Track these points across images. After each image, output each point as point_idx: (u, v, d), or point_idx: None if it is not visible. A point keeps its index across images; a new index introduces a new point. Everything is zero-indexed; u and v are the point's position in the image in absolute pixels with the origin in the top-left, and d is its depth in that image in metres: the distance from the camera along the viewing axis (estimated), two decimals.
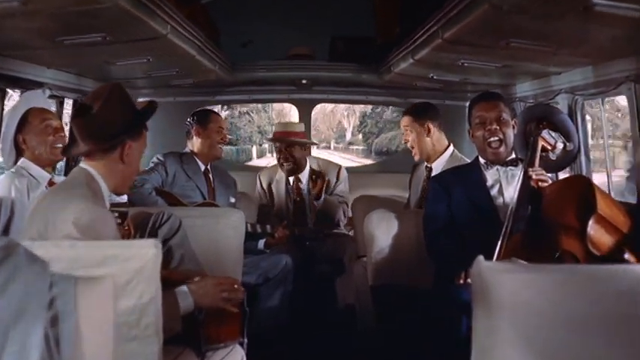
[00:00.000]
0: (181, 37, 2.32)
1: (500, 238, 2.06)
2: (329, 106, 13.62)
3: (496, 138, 2.34)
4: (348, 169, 3.74)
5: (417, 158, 3.02)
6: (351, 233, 3.53)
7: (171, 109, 3.97)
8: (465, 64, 2.53)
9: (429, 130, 2.95)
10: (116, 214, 2.31)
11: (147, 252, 1.40)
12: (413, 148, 3.00)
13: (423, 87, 3.58)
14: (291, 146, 3.44)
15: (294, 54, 3.89)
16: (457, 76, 3.05)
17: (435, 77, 3.07)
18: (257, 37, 3.99)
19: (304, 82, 3.94)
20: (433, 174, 2.93)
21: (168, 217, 2.48)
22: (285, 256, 3.06)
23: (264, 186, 3.58)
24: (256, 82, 4.00)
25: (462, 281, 2.09)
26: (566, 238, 1.95)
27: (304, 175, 3.54)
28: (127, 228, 2.37)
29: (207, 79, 3.58)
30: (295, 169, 3.48)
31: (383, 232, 2.58)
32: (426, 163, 3.05)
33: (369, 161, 12.22)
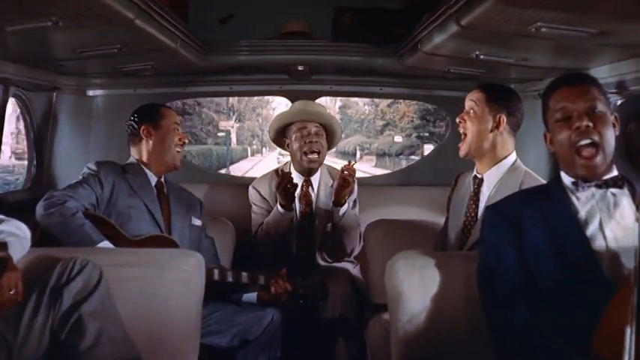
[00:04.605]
0: None
1: (632, 317, 1.21)
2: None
3: (588, 141, 1.53)
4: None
5: (462, 154, 2.10)
6: (355, 270, 2.67)
7: (131, 103, 3.10)
8: (543, 30, 1.63)
9: (498, 124, 2.03)
10: None
11: None
12: (464, 137, 2.08)
13: (459, 74, 2.66)
14: (325, 131, 2.74)
15: (287, 32, 3.04)
16: (515, 53, 2.15)
17: (482, 56, 2.16)
18: (239, 11, 3.12)
19: (300, 68, 3.07)
20: (486, 191, 2.03)
21: (82, 266, 1.61)
22: (272, 310, 2.21)
23: (266, 195, 2.73)
24: (238, 69, 3.13)
25: None
26: None
27: (316, 179, 2.74)
28: (12, 292, 1.51)
29: (172, 63, 2.71)
30: (318, 166, 2.74)
31: (415, 288, 1.71)
32: (474, 172, 2.13)
33: (336, 160, 12.30)
